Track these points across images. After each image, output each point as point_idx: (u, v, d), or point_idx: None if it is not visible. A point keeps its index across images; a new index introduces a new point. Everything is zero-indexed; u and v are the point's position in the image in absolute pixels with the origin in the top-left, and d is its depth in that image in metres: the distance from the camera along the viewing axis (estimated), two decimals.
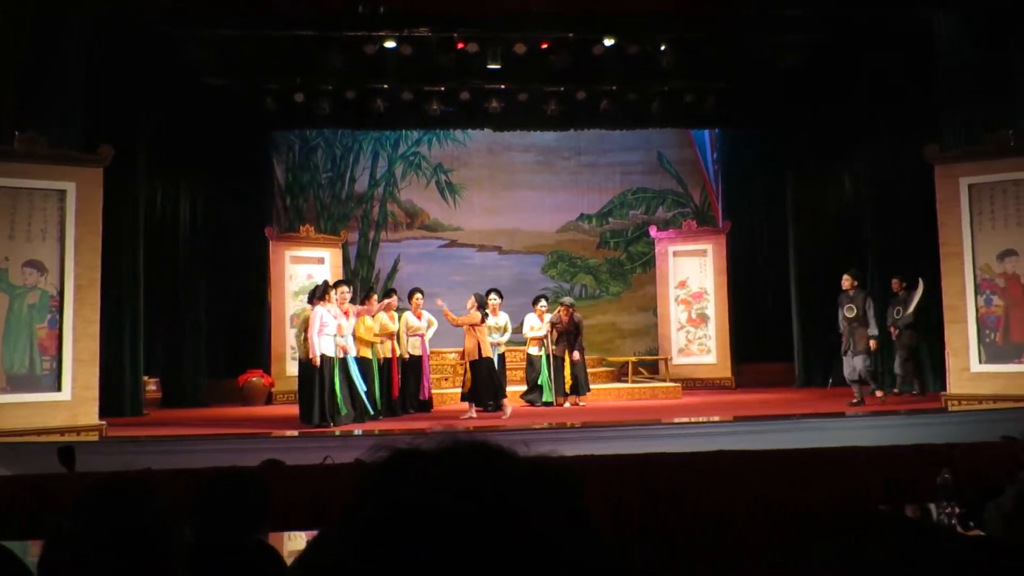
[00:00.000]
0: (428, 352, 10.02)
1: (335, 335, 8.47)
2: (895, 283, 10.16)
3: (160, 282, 11.10)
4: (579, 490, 0.78)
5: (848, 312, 9.04)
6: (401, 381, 9.63)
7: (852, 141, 11.29)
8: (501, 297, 9.95)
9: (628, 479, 4.69)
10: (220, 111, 11.53)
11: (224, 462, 4.66)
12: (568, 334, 10.28)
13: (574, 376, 10.18)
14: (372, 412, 8.76)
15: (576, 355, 10.14)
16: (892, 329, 9.88)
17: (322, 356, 8.36)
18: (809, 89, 11.73)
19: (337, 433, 7.95)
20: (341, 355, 8.64)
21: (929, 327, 9.60)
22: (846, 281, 9.16)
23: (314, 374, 8.39)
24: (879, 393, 9.25)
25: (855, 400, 9.07)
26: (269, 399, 11.20)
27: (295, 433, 7.98)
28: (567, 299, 10.53)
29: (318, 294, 8.62)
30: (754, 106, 12.29)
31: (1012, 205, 8.42)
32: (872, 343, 8.89)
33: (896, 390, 9.76)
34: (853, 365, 9.04)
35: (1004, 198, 8.46)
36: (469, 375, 9.14)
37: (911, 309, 9.73)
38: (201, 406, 11.03)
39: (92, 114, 8.89)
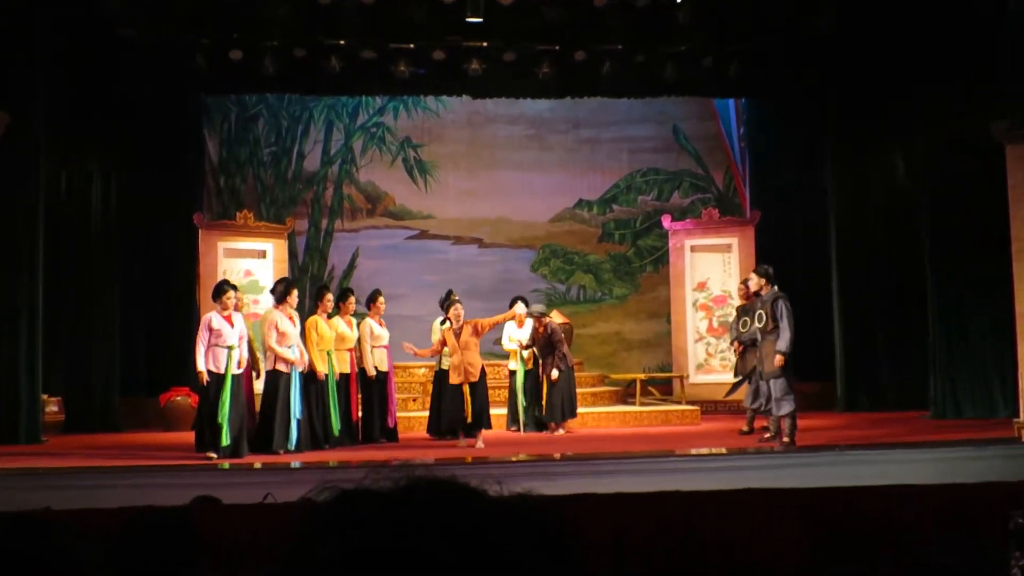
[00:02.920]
0: (393, 367, 10.07)
1: (232, 346, 8.52)
2: (742, 288, 10.10)
3: (64, 281, 11.00)
4: (560, 535, 0.79)
5: (757, 320, 8.72)
6: (364, 402, 9.64)
7: (905, 114, 11.36)
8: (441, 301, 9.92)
9: (634, 523, 4.70)
10: (140, 71, 11.44)
11: (143, 500, 4.62)
12: (542, 347, 10.32)
13: (548, 399, 10.22)
14: (296, 441, 8.81)
15: (555, 373, 10.14)
16: (734, 344, 9.83)
17: (209, 373, 8.46)
18: (852, 52, 11.81)
19: (226, 466, 8.00)
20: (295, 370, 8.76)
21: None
22: (754, 281, 8.86)
23: (201, 395, 8.55)
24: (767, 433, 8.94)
25: (769, 435, 8.95)
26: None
27: (227, 465, 7.97)
28: (536, 307, 10.59)
29: (213, 295, 8.79)
30: (787, 72, 12.35)
31: None
32: (778, 359, 8.41)
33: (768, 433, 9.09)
34: (765, 390, 8.70)
35: None
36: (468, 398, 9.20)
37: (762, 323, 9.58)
38: (113, 430, 10.96)
39: None
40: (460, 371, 9.15)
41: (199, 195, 13.03)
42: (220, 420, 8.36)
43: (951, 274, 10.68)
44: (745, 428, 9.82)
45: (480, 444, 9.12)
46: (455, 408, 9.20)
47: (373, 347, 9.76)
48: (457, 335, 9.20)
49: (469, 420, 9.14)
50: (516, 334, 10.48)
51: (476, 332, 9.22)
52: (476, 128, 14.43)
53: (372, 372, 9.67)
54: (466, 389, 9.14)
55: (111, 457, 8.57)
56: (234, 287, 8.94)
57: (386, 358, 9.88)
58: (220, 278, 11.55)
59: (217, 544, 4.38)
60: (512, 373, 10.54)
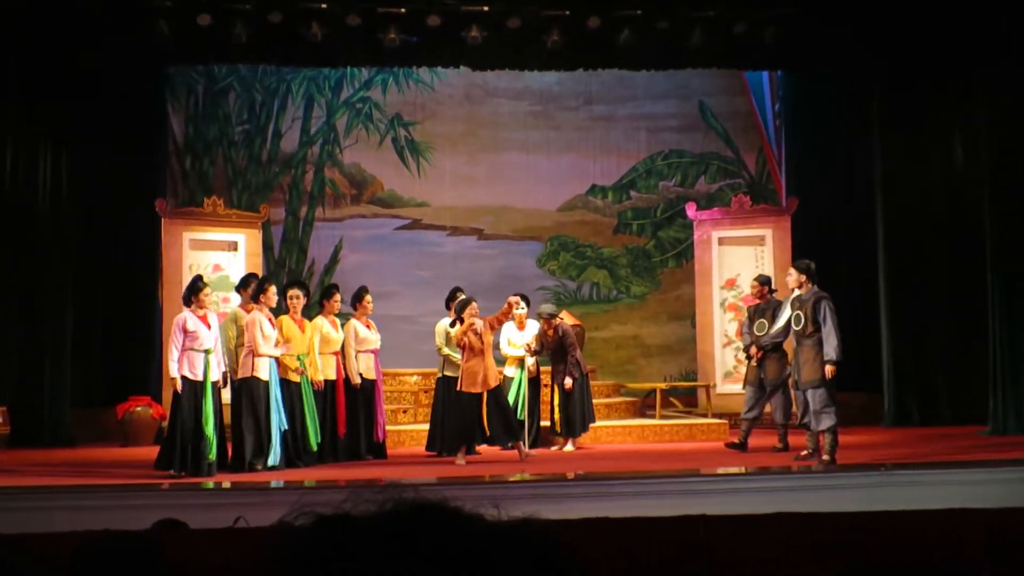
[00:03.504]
0: (381, 374, 10.10)
1: (209, 350, 8.58)
2: (755, 286, 10.13)
3: (8, 276, 11.04)
4: (564, 562, 0.80)
5: (795, 322, 8.80)
6: (348, 413, 9.65)
7: (965, 90, 11.35)
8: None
9: (654, 550, 4.71)
10: (95, 40, 11.47)
11: (99, 523, 4.64)
12: (553, 353, 10.35)
13: (563, 411, 10.24)
14: (278, 457, 8.89)
15: (568, 382, 10.18)
16: (752, 350, 9.83)
17: (184, 379, 8.49)
18: (903, 16, 11.80)
19: (211, 485, 8.06)
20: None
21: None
22: (793, 278, 8.99)
23: (174, 404, 8.57)
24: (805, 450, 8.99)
25: (807, 451, 8.96)
26: (159, 436, 11.17)
27: (211, 484, 8.03)
28: (546, 307, 10.64)
29: (186, 294, 8.81)
30: (830, 40, 12.33)
31: None
32: (829, 368, 8.54)
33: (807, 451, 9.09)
34: (802, 401, 8.78)
35: None
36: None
37: (779, 324, 9.42)
38: (65, 445, 10.98)
39: None
40: (481, 377, 9.18)
41: (162, 179, 13.05)
42: (208, 432, 8.42)
43: (1015, 272, 10.66)
44: (778, 444, 9.83)
45: (531, 452, 9.42)
46: (469, 420, 9.22)
47: (359, 351, 9.78)
48: (479, 336, 9.22)
49: (491, 432, 9.25)
50: (517, 338, 10.43)
51: (491, 331, 9.36)
52: (475, 104, 14.42)
53: (356, 380, 9.68)
54: (485, 397, 9.20)
55: (62, 475, 8.57)
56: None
57: (374, 364, 9.89)
58: (185, 272, 11.63)
59: (182, 573, 4.40)
60: (507, 382, 10.46)
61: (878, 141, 12.39)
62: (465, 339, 9.22)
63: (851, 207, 13.04)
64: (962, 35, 11.21)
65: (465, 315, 9.29)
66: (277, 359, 9.06)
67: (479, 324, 9.23)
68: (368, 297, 10.00)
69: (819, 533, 4.92)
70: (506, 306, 9.56)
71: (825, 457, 8.51)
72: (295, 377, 9.19)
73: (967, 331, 11.66)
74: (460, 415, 9.31)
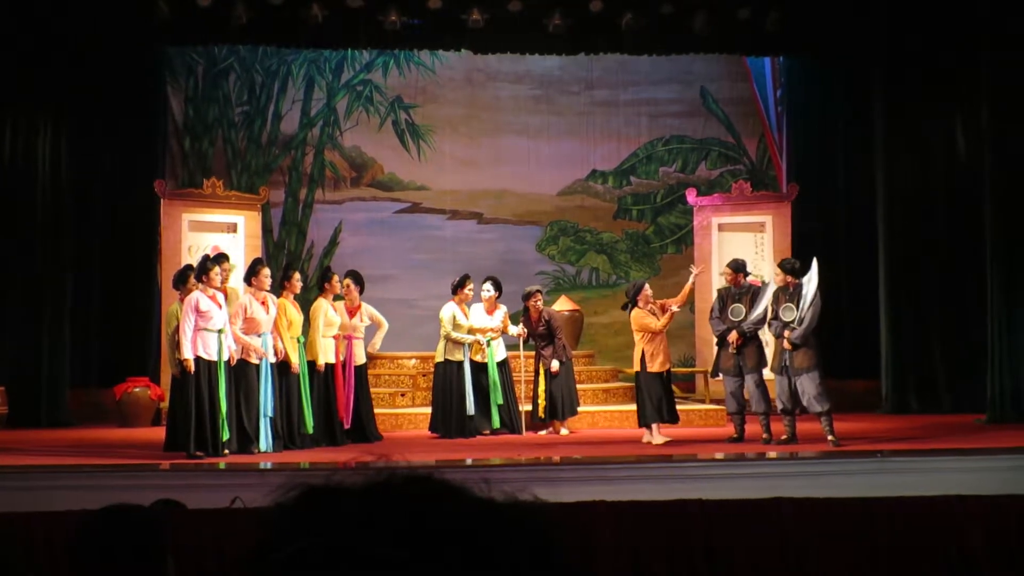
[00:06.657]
0: (358, 360, 9.90)
1: (222, 330, 8.54)
2: (727, 272, 9.86)
3: (6, 257, 11.04)
4: (552, 539, 0.80)
5: (786, 314, 8.87)
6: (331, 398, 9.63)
7: (970, 77, 11.32)
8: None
9: (652, 534, 4.73)
10: (93, 18, 11.43)
11: (95, 503, 4.65)
12: (540, 337, 10.35)
13: (549, 395, 10.24)
14: (270, 441, 8.85)
15: (555, 365, 10.18)
16: (732, 336, 9.40)
17: (198, 360, 8.41)
18: (906, 2, 11.76)
19: (222, 466, 8.06)
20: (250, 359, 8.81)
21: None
22: (779, 277, 9.13)
23: (187, 385, 8.46)
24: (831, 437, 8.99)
25: (785, 436, 9.04)
26: (157, 418, 11.20)
27: (194, 465, 8.00)
28: (532, 287, 10.67)
29: (196, 273, 8.74)
30: (834, 26, 12.30)
31: None
32: (788, 344, 8.77)
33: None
34: (803, 388, 8.82)
35: None
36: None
37: (759, 310, 9.36)
38: (63, 426, 11.00)
39: None
40: (663, 357, 9.47)
41: (161, 160, 13.03)
42: (223, 412, 8.41)
43: (1015, 261, 10.67)
44: (764, 435, 9.53)
45: (658, 439, 9.35)
46: (661, 396, 9.41)
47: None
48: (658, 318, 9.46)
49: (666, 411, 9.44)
50: (486, 322, 10.33)
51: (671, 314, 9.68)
52: (476, 88, 14.40)
53: (321, 365, 9.69)
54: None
55: (59, 455, 8.59)
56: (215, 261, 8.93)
57: (347, 349, 9.81)
58: (184, 254, 11.62)
59: (180, 552, 4.41)
60: (482, 366, 10.29)
61: (880, 128, 12.36)
62: (651, 320, 9.39)
63: (852, 194, 13.03)
64: (966, 20, 11.18)
65: (640, 298, 9.47)
66: (274, 341, 9.03)
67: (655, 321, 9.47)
68: (349, 282, 9.90)
69: (815, 518, 4.93)
70: (684, 292, 9.84)
71: (831, 438, 8.67)
72: (295, 359, 9.17)
73: (966, 319, 11.66)
74: (652, 393, 9.39)
